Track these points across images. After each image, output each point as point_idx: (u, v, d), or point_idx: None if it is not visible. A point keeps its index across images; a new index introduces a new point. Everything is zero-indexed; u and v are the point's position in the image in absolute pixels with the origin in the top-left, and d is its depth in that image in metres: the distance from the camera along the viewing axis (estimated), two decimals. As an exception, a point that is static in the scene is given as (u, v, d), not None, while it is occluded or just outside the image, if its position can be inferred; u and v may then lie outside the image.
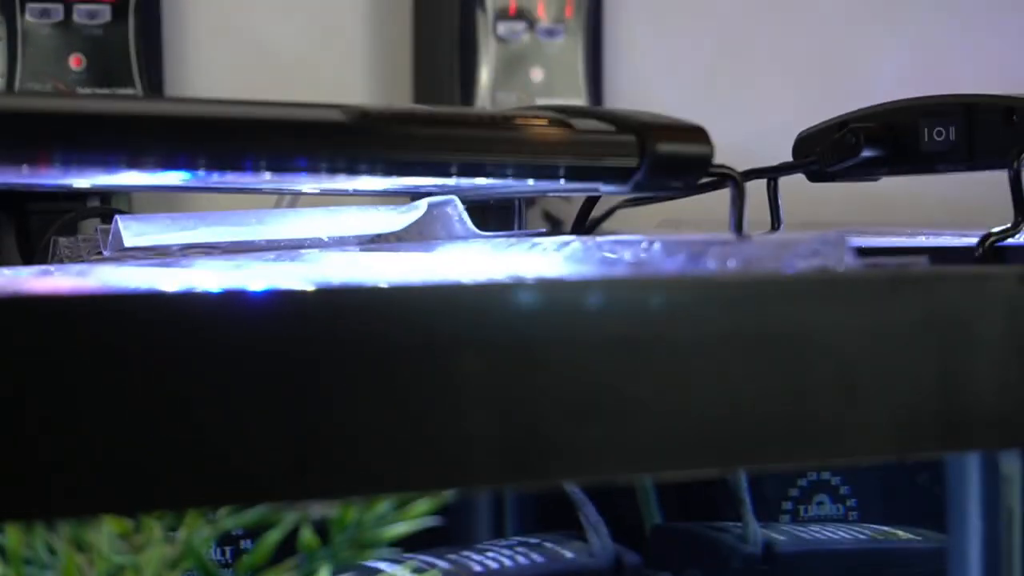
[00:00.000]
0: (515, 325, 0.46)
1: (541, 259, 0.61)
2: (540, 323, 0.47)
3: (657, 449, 0.49)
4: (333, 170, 0.55)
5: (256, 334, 0.44)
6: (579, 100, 1.08)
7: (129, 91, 0.99)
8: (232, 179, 0.55)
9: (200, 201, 0.96)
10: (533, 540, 0.70)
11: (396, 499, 0.56)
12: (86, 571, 0.54)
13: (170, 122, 0.52)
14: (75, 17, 0.98)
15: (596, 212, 0.88)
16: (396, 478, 0.45)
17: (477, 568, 0.67)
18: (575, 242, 0.61)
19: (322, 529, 0.57)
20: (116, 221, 0.65)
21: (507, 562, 0.68)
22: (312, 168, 0.55)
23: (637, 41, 1.17)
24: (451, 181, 0.58)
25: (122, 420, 0.42)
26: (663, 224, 1.02)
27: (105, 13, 0.99)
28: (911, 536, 0.73)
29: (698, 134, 0.60)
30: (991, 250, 0.67)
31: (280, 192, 0.72)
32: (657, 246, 0.57)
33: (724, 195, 0.61)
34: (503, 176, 0.58)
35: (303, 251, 0.68)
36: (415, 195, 0.72)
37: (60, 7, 0.98)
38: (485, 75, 1.08)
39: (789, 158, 0.89)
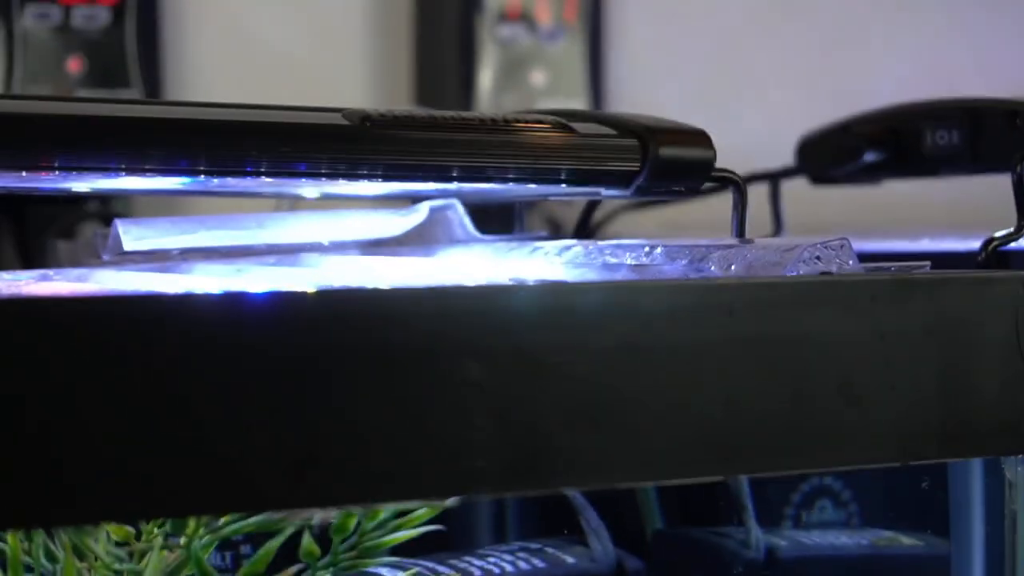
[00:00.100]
0: (516, 329, 0.46)
1: (543, 263, 0.61)
2: (541, 327, 0.47)
3: (659, 454, 0.49)
4: (334, 174, 0.55)
5: (257, 339, 0.43)
6: (580, 103, 1.08)
7: (128, 94, 0.99)
8: (233, 183, 0.55)
9: (200, 204, 0.96)
10: (534, 545, 0.70)
11: (397, 506, 0.56)
12: (85, 577, 0.54)
13: (170, 126, 0.52)
14: (73, 20, 0.98)
15: (597, 215, 0.88)
16: (397, 484, 0.45)
17: (478, 573, 0.67)
18: (577, 246, 0.61)
19: (323, 536, 0.57)
20: (115, 225, 0.65)
21: (508, 567, 0.68)
22: (313, 172, 0.54)
23: (638, 44, 1.17)
24: (452, 185, 0.58)
25: (122, 426, 0.42)
26: (664, 227, 1.02)
27: (104, 15, 0.99)
28: (914, 541, 0.73)
29: (700, 138, 0.60)
30: (994, 254, 0.67)
31: (281, 196, 0.72)
32: (659, 250, 0.56)
33: (726, 198, 0.61)
34: (504, 180, 0.58)
35: (303, 255, 0.68)
36: (416, 199, 0.72)
37: (58, 9, 0.98)
38: (485, 78, 1.08)
39: (791, 161, 0.89)
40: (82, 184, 0.55)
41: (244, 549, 0.64)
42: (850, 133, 0.83)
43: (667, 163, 0.60)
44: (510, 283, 0.51)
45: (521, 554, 0.69)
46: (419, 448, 0.45)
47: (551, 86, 1.09)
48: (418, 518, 0.56)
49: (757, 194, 0.82)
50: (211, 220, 0.68)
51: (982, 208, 0.78)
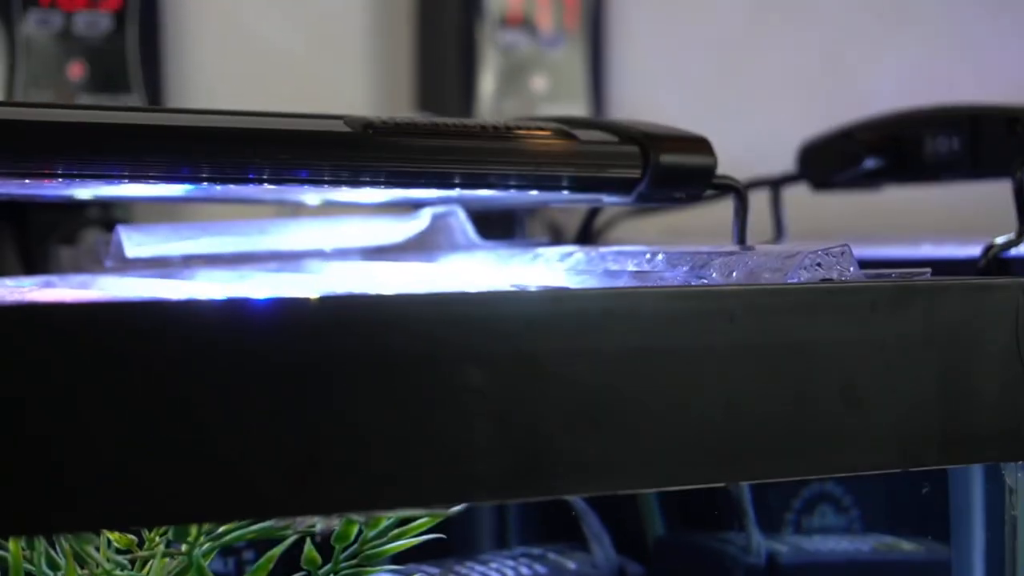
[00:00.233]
0: (518, 336, 0.46)
1: (544, 269, 0.61)
2: (543, 334, 0.47)
3: (661, 461, 0.49)
4: (336, 181, 0.55)
5: (259, 345, 0.43)
6: (581, 109, 1.08)
7: (130, 99, 0.99)
8: (235, 190, 0.55)
9: (202, 211, 0.96)
10: (536, 551, 0.70)
11: (399, 513, 0.56)
12: (87, 583, 0.54)
13: (172, 133, 0.52)
14: (75, 25, 0.98)
15: (599, 222, 0.88)
16: (399, 490, 0.45)
17: (480, 579, 0.67)
18: (578, 252, 0.61)
19: (324, 545, 0.57)
20: (118, 231, 0.65)
21: (510, 573, 0.68)
22: (315, 179, 0.55)
23: (639, 50, 1.17)
24: (454, 192, 0.58)
25: (124, 432, 0.42)
26: (666, 234, 1.02)
27: (105, 21, 0.99)
28: (914, 547, 0.73)
29: (701, 145, 0.60)
30: (994, 261, 0.67)
31: (283, 203, 0.72)
32: (660, 257, 0.56)
33: (727, 205, 0.61)
34: (506, 187, 0.58)
35: (306, 261, 0.68)
36: (418, 205, 0.72)
37: (60, 15, 0.98)
38: (486, 83, 1.08)
39: (792, 168, 0.89)
40: (85, 191, 0.55)
41: (247, 555, 0.64)
42: (851, 139, 0.84)
43: (668, 170, 0.60)
44: (512, 289, 0.51)
45: (523, 560, 0.69)
46: (421, 454, 0.45)
47: (552, 92, 1.09)
48: (420, 526, 0.56)
49: (758, 200, 0.82)
50: (213, 226, 0.68)
51: (982, 214, 0.78)
